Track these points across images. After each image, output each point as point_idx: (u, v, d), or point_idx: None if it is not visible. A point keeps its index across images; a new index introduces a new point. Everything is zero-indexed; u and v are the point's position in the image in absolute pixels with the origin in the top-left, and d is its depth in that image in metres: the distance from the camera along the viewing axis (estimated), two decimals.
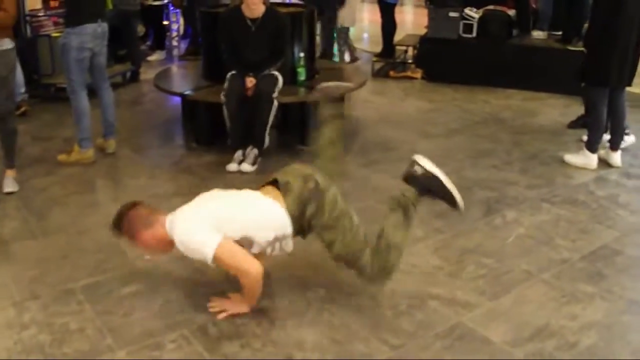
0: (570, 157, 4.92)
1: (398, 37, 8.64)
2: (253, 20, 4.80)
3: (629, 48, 4.65)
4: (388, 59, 8.31)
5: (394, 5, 8.37)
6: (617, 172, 4.83)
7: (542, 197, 4.31)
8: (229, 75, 4.81)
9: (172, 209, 2.86)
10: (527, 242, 3.66)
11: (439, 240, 3.66)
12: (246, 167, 4.68)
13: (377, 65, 8.21)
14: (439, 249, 3.57)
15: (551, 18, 7.83)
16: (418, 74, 7.78)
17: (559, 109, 6.33)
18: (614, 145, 4.90)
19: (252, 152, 4.75)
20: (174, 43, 9.94)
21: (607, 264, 3.44)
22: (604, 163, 4.91)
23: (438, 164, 3.00)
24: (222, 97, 4.74)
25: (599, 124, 4.82)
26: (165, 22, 9.67)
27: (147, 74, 7.46)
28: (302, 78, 5.35)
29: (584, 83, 4.91)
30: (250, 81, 4.70)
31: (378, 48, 8.72)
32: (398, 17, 8.67)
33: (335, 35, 8.36)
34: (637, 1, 4.57)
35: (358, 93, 6.46)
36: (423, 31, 8.15)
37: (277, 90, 4.80)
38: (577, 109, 5.96)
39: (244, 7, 4.81)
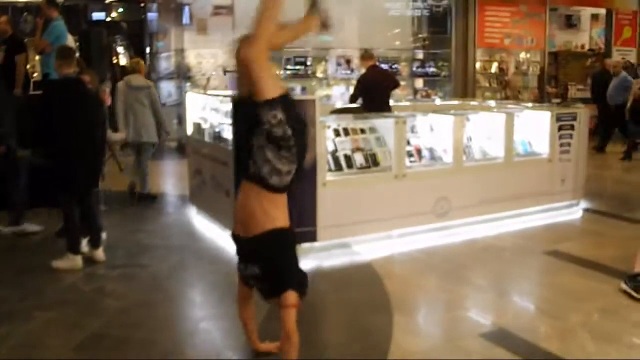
0: (57, 263, 5.31)
1: None
2: None
3: (88, 157, 5.40)
4: None
5: None
6: (103, 266, 5.45)
7: (34, 306, 4.56)
8: None
9: None
10: (20, 352, 3.88)
11: None
12: None
13: None
14: None
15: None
16: None
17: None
18: (95, 243, 5.52)
19: None
20: None
21: (96, 351, 3.92)
22: (91, 261, 5.46)
23: None
24: None
25: (74, 227, 5.38)
26: None
27: None
28: None
29: (57, 193, 5.41)
30: None
31: None
32: None
33: None
34: (86, 116, 5.35)
35: None
36: None
37: None
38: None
39: None
